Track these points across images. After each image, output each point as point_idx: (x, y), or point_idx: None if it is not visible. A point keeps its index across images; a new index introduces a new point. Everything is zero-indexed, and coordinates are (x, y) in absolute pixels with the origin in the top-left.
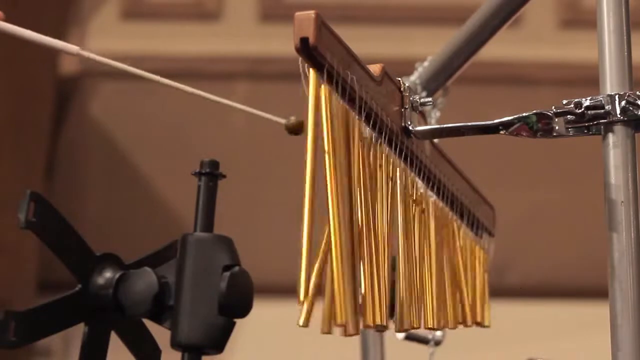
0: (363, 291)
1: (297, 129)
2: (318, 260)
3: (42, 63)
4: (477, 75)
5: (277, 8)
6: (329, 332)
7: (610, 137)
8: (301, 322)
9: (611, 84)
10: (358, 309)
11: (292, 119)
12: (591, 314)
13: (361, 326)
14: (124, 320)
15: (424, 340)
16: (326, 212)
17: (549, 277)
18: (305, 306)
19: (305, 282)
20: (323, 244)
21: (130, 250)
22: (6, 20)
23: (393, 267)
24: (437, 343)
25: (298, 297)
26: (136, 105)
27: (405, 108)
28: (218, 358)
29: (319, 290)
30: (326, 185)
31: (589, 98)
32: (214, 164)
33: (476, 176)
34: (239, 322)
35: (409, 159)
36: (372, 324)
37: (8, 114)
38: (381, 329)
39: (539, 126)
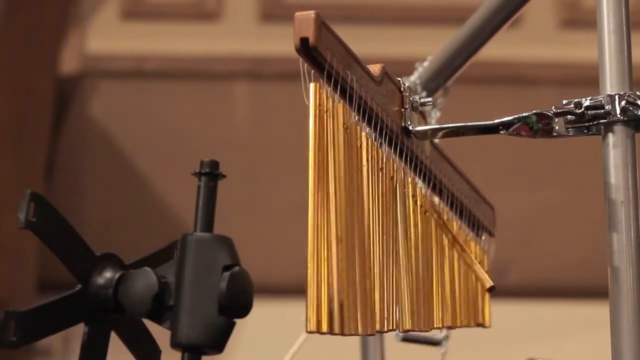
0: (358, 295)
1: None
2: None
3: (42, 63)
4: (477, 75)
5: (277, 8)
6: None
7: (610, 137)
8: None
9: (611, 84)
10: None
11: None
12: (591, 314)
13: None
14: (124, 320)
15: (423, 341)
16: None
17: (549, 277)
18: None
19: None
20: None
21: (130, 250)
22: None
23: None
24: (438, 343)
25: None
26: (136, 105)
27: (405, 108)
28: (218, 358)
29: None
30: (320, 184)
31: (589, 98)
32: (214, 164)
33: (476, 176)
34: (239, 322)
35: (409, 159)
36: (360, 331)
37: (8, 114)
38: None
39: (539, 126)
